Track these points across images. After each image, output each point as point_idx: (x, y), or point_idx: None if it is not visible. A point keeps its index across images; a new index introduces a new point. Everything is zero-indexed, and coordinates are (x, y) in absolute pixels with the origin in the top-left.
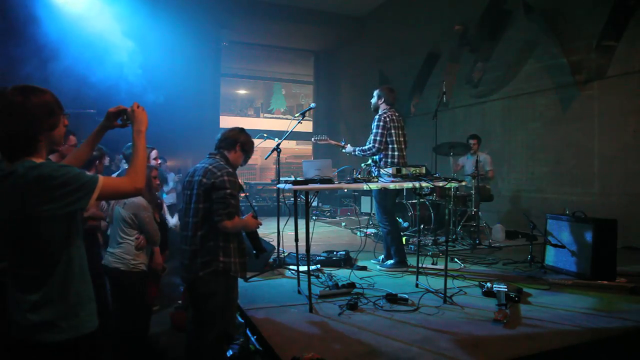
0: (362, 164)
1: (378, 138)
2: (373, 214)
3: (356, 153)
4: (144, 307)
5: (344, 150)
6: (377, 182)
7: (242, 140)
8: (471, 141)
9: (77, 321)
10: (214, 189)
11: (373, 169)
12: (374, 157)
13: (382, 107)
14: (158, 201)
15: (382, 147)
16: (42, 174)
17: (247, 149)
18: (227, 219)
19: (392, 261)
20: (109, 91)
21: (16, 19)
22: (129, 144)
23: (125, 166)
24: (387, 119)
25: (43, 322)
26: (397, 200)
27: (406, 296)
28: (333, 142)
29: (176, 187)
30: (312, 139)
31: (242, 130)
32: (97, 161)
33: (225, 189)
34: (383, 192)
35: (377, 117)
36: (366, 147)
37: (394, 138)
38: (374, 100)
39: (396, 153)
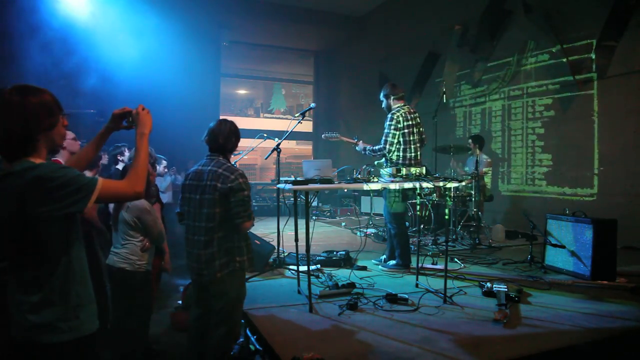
0: (375, 162)
1: (389, 139)
2: (373, 213)
3: (367, 152)
4: (148, 307)
5: (356, 148)
6: (377, 182)
7: (237, 140)
8: (470, 142)
9: (77, 323)
10: (232, 193)
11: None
12: (387, 157)
13: (395, 104)
14: (155, 198)
15: (392, 148)
16: (41, 175)
17: (239, 140)
18: (248, 220)
19: (394, 262)
20: (109, 91)
21: (17, 17)
22: (114, 145)
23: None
24: (400, 118)
25: (43, 324)
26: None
27: (406, 296)
28: (345, 139)
29: (174, 181)
30: (323, 136)
31: (230, 127)
32: (100, 162)
33: (243, 191)
34: (392, 193)
35: (389, 116)
36: (377, 147)
37: (407, 138)
38: (384, 103)
39: (407, 154)
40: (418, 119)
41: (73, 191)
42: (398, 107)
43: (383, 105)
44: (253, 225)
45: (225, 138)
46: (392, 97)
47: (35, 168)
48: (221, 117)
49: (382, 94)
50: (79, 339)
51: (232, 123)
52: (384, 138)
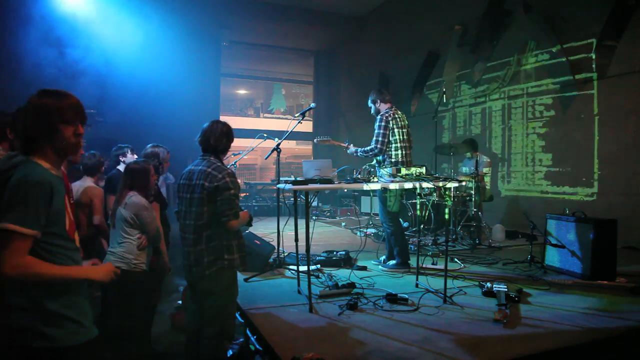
0: (367, 164)
1: (380, 139)
2: (373, 213)
3: (358, 154)
4: (148, 306)
5: (347, 151)
6: (377, 182)
7: (229, 141)
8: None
9: (61, 332)
10: (219, 191)
11: (378, 170)
12: (378, 158)
13: (383, 108)
14: (153, 198)
15: (384, 148)
16: (17, 176)
17: (232, 141)
18: (234, 218)
19: (394, 262)
20: (108, 90)
21: (16, 15)
22: (118, 145)
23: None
24: (389, 118)
25: (25, 327)
26: (403, 202)
27: (406, 296)
28: (336, 142)
29: (166, 179)
30: (315, 140)
31: (222, 128)
32: (103, 167)
33: (229, 189)
34: (387, 192)
35: (379, 117)
36: (368, 148)
37: (397, 137)
38: (372, 108)
39: (399, 152)
40: (405, 120)
41: (13, 205)
42: (386, 109)
43: (372, 111)
44: (251, 225)
45: (216, 139)
46: (379, 102)
47: (25, 167)
48: (216, 119)
49: (369, 100)
50: (62, 348)
51: (224, 124)
52: (374, 138)
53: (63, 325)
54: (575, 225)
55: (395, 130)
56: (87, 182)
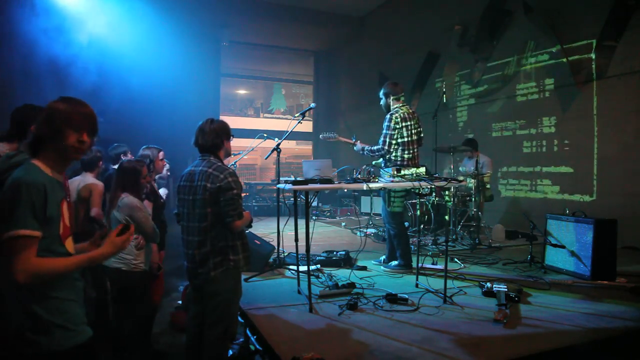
0: (373, 162)
1: (387, 140)
2: (373, 213)
3: (365, 152)
4: (148, 306)
5: (354, 148)
6: (377, 182)
7: (225, 137)
8: (467, 152)
9: (46, 339)
10: (221, 192)
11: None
12: (385, 157)
13: (394, 105)
14: (145, 196)
15: (391, 149)
16: (12, 178)
17: (230, 137)
18: (238, 219)
19: (396, 262)
20: (107, 91)
21: (16, 15)
22: (115, 144)
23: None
24: (398, 118)
25: (15, 334)
26: (404, 202)
27: (406, 296)
28: (343, 139)
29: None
30: (321, 136)
31: (210, 126)
32: (101, 162)
33: (232, 190)
34: (391, 193)
35: (387, 116)
36: (375, 147)
37: (406, 138)
38: (382, 102)
39: (405, 155)
40: (417, 119)
41: (13, 209)
42: (397, 107)
43: (381, 103)
44: (251, 226)
45: (204, 137)
46: (391, 97)
47: (21, 169)
48: (210, 117)
49: (381, 92)
50: (53, 352)
51: (215, 122)
52: (382, 138)
53: (49, 331)
54: (575, 225)
55: (405, 131)
56: (87, 177)
